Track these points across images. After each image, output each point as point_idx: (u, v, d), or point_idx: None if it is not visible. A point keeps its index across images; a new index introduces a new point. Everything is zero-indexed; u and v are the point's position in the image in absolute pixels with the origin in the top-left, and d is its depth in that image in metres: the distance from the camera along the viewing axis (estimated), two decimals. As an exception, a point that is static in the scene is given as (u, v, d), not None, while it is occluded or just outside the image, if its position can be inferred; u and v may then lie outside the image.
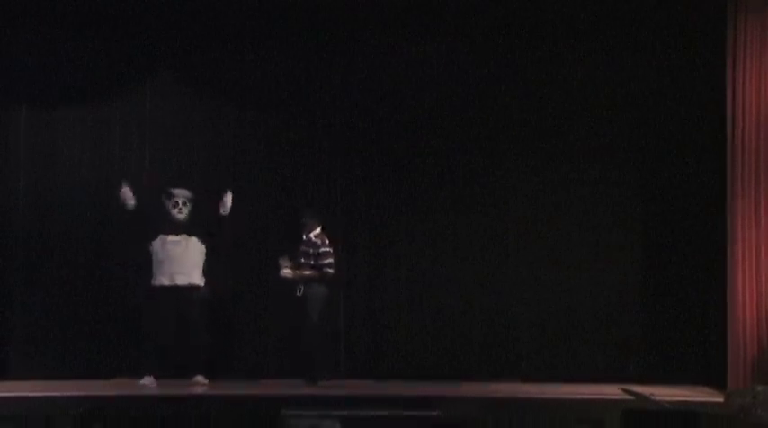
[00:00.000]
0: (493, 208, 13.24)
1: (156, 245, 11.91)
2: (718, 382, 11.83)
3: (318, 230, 12.26)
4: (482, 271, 13.19)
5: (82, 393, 11.12)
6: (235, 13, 13.00)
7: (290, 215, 12.72)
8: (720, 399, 10.85)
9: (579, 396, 11.26)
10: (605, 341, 12.93)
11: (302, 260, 12.16)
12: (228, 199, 12.02)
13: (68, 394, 11.07)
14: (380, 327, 13.15)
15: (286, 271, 12.14)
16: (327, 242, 12.22)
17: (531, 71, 13.13)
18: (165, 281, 11.86)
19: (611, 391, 11.07)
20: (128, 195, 11.91)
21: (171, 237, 11.89)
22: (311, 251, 12.16)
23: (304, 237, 12.25)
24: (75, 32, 12.94)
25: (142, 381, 11.79)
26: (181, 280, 11.86)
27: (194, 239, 11.98)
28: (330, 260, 12.13)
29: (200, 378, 11.98)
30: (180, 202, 11.99)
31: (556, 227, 13.12)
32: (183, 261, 11.89)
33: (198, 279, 11.99)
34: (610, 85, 13.04)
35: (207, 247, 12.09)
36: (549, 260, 13.09)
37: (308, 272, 12.07)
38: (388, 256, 13.23)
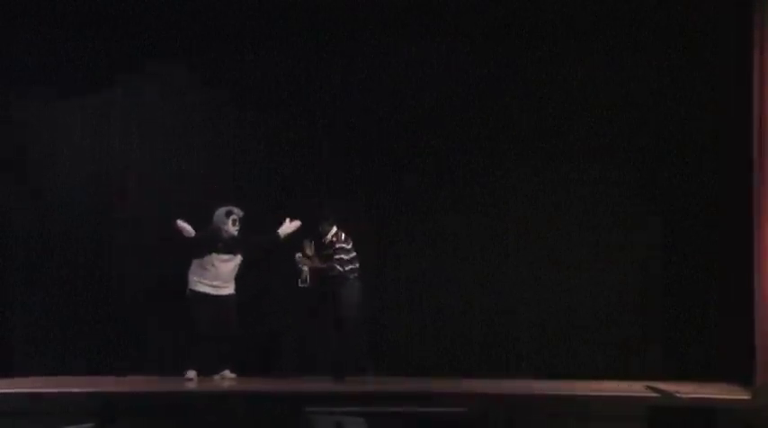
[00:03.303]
0: (493, 208, 13.22)
1: (207, 260, 12.32)
2: (730, 379, 11.78)
3: (334, 230, 12.32)
4: (482, 271, 13.17)
5: (101, 390, 11.23)
6: (235, 13, 13.04)
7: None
8: (746, 396, 10.76)
9: (602, 393, 11.19)
10: (605, 341, 12.90)
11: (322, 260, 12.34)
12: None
13: (75, 390, 11.07)
14: (380, 327, 13.13)
15: (299, 255, 12.31)
16: (343, 239, 12.29)
17: (531, 71, 13.14)
18: (210, 291, 12.37)
19: (636, 389, 11.07)
20: (186, 228, 12.23)
21: (223, 256, 12.36)
22: (327, 251, 12.29)
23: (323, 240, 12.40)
24: (74, 32, 12.98)
25: (187, 375, 12.21)
26: (223, 292, 12.42)
27: (239, 256, 12.45)
28: (344, 256, 12.21)
29: (227, 373, 12.40)
30: (238, 220, 12.40)
31: (556, 227, 13.10)
32: (228, 276, 12.43)
33: (233, 288, 12.51)
34: (610, 85, 13.02)
35: (243, 261, 12.53)
36: (549, 260, 13.07)
37: (315, 265, 12.24)
38: (388, 256, 13.23)
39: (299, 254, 12.32)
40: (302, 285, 12.32)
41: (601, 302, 13.00)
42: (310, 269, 12.31)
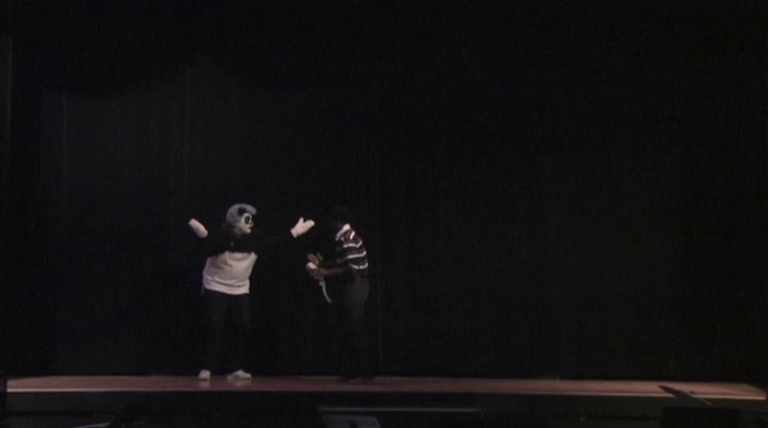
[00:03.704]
0: (494, 208, 13.16)
1: (221, 259, 12.39)
2: (756, 380, 11.77)
3: (345, 228, 12.21)
4: (482, 270, 13.10)
5: (120, 389, 11.35)
6: (235, 13, 13.11)
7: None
8: (762, 397, 10.73)
9: (613, 394, 11.23)
10: (612, 342, 12.83)
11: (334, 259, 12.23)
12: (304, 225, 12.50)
13: (106, 390, 11.23)
14: (380, 327, 13.07)
15: (310, 266, 12.21)
16: (352, 238, 12.15)
17: (531, 71, 13.11)
18: (225, 290, 12.44)
19: (651, 389, 10.95)
20: (199, 229, 12.34)
21: (236, 255, 12.43)
22: (337, 249, 12.17)
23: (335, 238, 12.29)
24: (114, 24, 13.04)
25: (201, 375, 12.26)
26: (238, 291, 12.48)
27: (252, 255, 12.50)
28: (353, 255, 12.06)
29: (240, 373, 12.43)
30: (251, 217, 12.42)
31: (556, 227, 13.09)
32: (243, 275, 12.49)
33: (248, 287, 12.58)
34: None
35: (257, 259, 12.58)
36: (552, 260, 13.06)
37: (331, 271, 12.13)
38: (388, 256, 13.17)
39: (311, 266, 12.20)
40: (329, 299, 12.27)
41: (641, 301, 12.91)
42: (326, 277, 12.18)
